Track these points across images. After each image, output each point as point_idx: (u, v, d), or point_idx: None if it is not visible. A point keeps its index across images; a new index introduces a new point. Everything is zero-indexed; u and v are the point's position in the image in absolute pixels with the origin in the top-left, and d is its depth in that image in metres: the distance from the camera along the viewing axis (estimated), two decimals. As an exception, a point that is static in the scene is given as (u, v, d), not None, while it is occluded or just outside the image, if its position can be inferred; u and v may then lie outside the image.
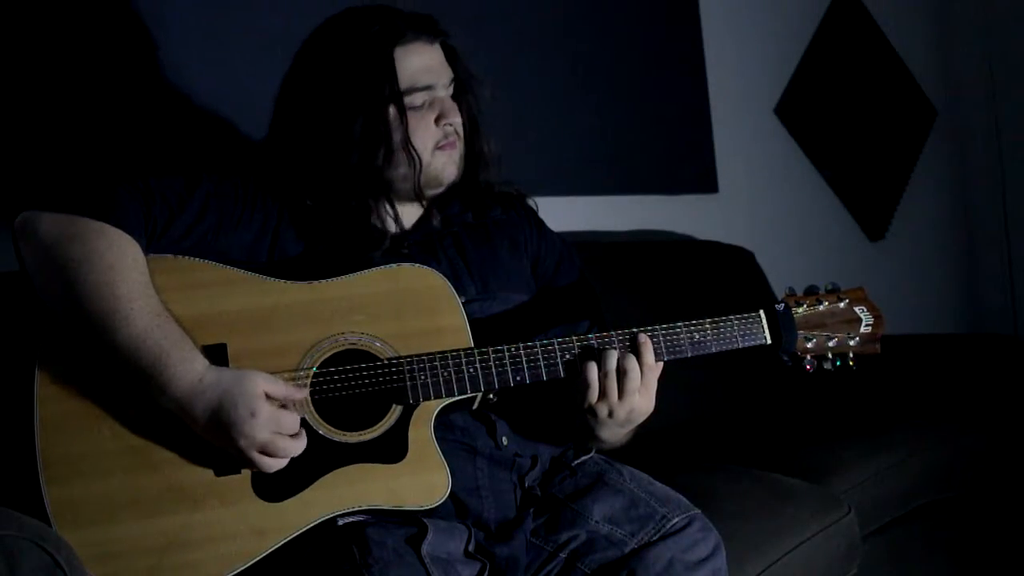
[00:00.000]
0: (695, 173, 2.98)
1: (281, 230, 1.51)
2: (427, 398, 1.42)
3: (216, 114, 2.05)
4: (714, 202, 3.02)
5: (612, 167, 2.78)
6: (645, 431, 1.56)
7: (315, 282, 1.44)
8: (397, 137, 1.51)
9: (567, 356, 1.46)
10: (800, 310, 1.55)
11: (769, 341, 1.54)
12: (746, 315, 1.53)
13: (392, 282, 1.46)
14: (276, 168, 1.55)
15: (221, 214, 1.47)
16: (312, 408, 1.40)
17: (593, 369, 1.44)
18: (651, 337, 1.47)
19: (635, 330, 1.47)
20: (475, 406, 1.48)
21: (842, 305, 1.57)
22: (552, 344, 1.46)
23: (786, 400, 2.55)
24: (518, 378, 1.45)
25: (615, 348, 1.45)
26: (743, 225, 3.05)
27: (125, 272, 1.33)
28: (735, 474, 1.94)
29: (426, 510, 1.40)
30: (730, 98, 3.06)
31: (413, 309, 1.45)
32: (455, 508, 1.46)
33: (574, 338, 1.47)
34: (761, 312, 1.53)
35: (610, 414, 1.46)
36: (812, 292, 1.58)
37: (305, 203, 1.52)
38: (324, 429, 1.40)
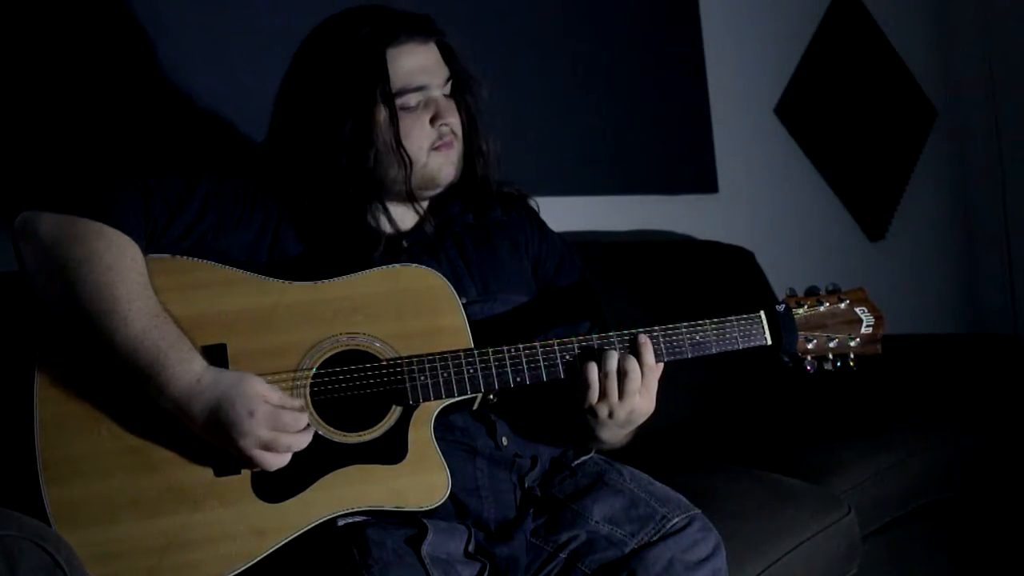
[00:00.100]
0: (695, 173, 2.98)
1: (281, 230, 1.51)
2: (427, 399, 1.42)
3: (216, 114, 2.05)
4: (714, 202, 3.02)
5: (612, 167, 2.78)
6: (645, 431, 1.55)
7: (315, 282, 1.44)
8: (388, 138, 1.50)
9: (567, 357, 1.46)
10: (801, 311, 1.55)
11: (770, 342, 1.53)
12: (747, 316, 1.53)
13: (392, 282, 1.46)
14: (275, 169, 1.55)
15: (221, 214, 1.47)
16: (312, 408, 1.40)
17: (593, 370, 1.43)
18: (651, 338, 1.47)
19: (635, 331, 1.47)
20: (475, 407, 1.48)
21: (843, 306, 1.57)
22: (552, 345, 1.46)
23: (786, 400, 2.55)
24: (518, 379, 1.44)
25: (615, 349, 1.45)
26: (743, 225, 3.05)
27: (124, 273, 1.33)
28: (735, 474, 1.94)
29: (426, 511, 1.40)
30: (730, 98, 3.06)
31: (413, 309, 1.45)
32: (455, 508, 1.45)
33: (574, 339, 1.47)
34: (762, 313, 1.53)
35: (610, 415, 1.45)
36: (813, 293, 1.58)
37: (304, 204, 1.52)
38: (324, 430, 1.40)
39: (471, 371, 1.43)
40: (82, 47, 1.90)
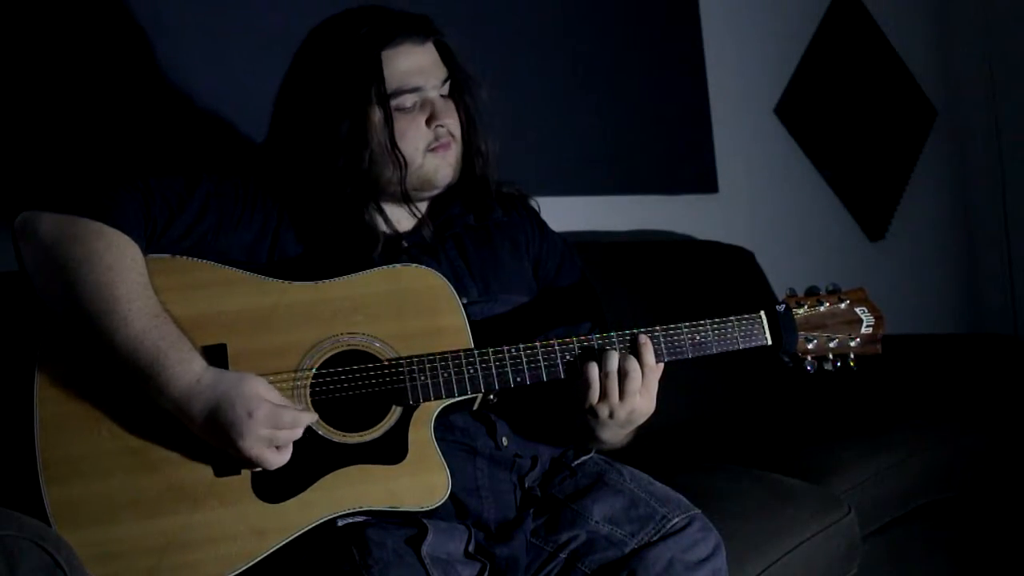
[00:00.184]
0: (695, 173, 2.98)
1: (281, 231, 1.51)
2: (427, 399, 1.42)
3: (216, 114, 2.05)
4: (714, 202, 3.02)
5: (612, 167, 2.78)
6: (645, 431, 1.55)
7: (315, 282, 1.44)
8: (383, 139, 1.50)
9: (567, 357, 1.46)
10: (801, 311, 1.55)
11: (770, 342, 1.53)
12: (747, 316, 1.53)
13: (392, 282, 1.46)
14: (275, 169, 1.55)
15: (221, 214, 1.47)
16: (312, 409, 1.40)
17: (594, 370, 1.43)
18: (652, 338, 1.47)
19: (635, 331, 1.47)
20: (475, 407, 1.48)
21: (843, 306, 1.57)
22: (552, 345, 1.46)
23: (786, 400, 2.55)
24: (518, 379, 1.44)
25: (616, 349, 1.45)
26: (743, 225, 3.05)
27: (124, 273, 1.33)
28: (735, 474, 1.94)
29: (426, 511, 1.40)
30: (730, 98, 3.06)
31: (413, 309, 1.45)
32: (455, 509, 1.45)
33: (574, 339, 1.46)
34: (762, 313, 1.53)
35: (611, 415, 1.45)
36: (813, 293, 1.58)
37: (303, 204, 1.52)
38: (324, 430, 1.40)
39: (471, 371, 1.43)
40: (82, 47, 1.90)
